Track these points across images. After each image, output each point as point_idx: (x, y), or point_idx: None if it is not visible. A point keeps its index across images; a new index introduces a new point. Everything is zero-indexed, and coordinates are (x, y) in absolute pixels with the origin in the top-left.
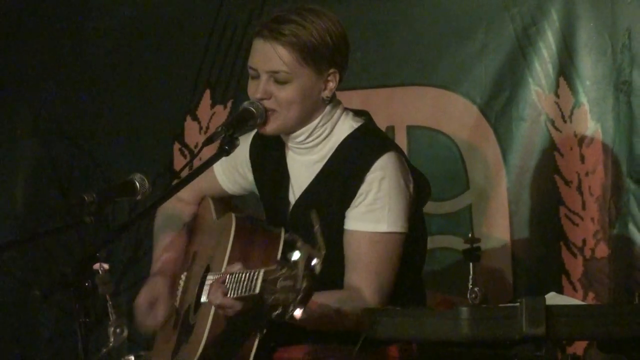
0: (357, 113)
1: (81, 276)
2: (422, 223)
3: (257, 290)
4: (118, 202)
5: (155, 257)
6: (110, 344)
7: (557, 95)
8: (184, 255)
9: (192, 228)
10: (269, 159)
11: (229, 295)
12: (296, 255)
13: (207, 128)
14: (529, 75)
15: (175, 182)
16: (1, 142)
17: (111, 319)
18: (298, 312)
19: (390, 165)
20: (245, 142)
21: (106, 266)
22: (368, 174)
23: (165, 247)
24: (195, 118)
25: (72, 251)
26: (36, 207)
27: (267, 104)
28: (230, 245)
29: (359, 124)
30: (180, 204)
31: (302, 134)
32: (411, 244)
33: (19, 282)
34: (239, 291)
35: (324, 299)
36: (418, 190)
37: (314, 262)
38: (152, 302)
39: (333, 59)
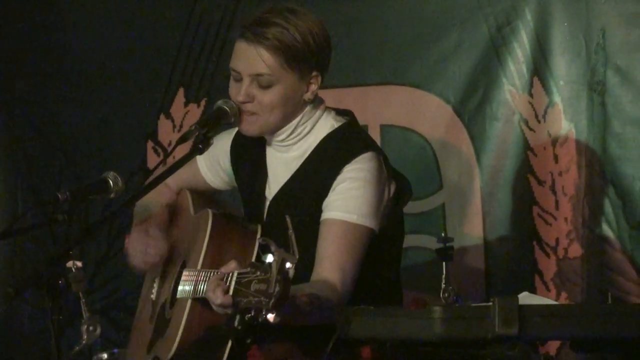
0: (340, 112)
1: (54, 274)
2: (401, 223)
3: (231, 292)
4: (91, 200)
5: (135, 222)
6: (84, 342)
7: (531, 95)
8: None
9: (170, 217)
10: (249, 154)
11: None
12: (269, 259)
13: (181, 126)
14: (503, 75)
15: (148, 180)
16: None
17: (84, 316)
18: (271, 316)
19: (367, 163)
20: (227, 137)
21: (79, 264)
22: (346, 166)
23: (147, 216)
24: (168, 116)
25: (45, 249)
26: (9, 205)
27: (249, 107)
28: (206, 242)
29: (340, 123)
30: (162, 187)
31: (282, 132)
32: (389, 243)
33: None
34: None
35: (297, 292)
36: (398, 191)
37: (288, 266)
38: (145, 245)
39: (316, 62)
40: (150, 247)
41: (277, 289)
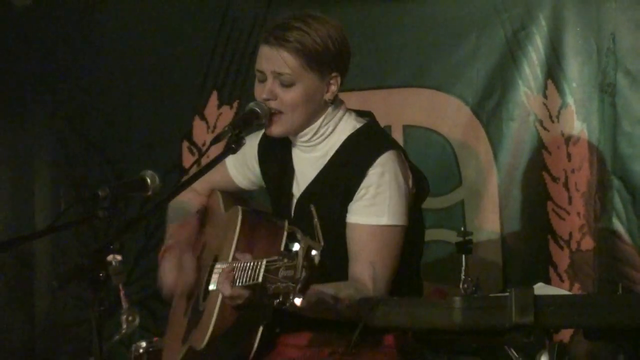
0: (361, 113)
1: (95, 267)
2: (421, 218)
3: (260, 279)
4: (130, 197)
5: (168, 235)
6: (123, 331)
7: (545, 97)
8: (195, 241)
9: (202, 219)
10: (276, 155)
11: (236, 284)
12: (296, 247)
13: (215, 127)
14: (519, 77)
15: (184, 178)
16: (20, 141)
17: (124, 307)
18: (298, 301)
19: (390, 162)
20: (255, 139)
21: (119, 257)
22: (370, 169)
23: (177, 227)
24: (203, 118)
25: (86, 244)
26: (52, 202)
27: (273, 104)
28: (236, 236)
29: (362, 123)
30: (191, 194)
31: (306, 134)
32: (410, 237)
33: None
34: (244, 280)
35: (324, 288)
36: (417, 187)
37: (313, 253)
38: (178, 267)
39: (335, 64)
40: (180, 278)
41: (303, 274)
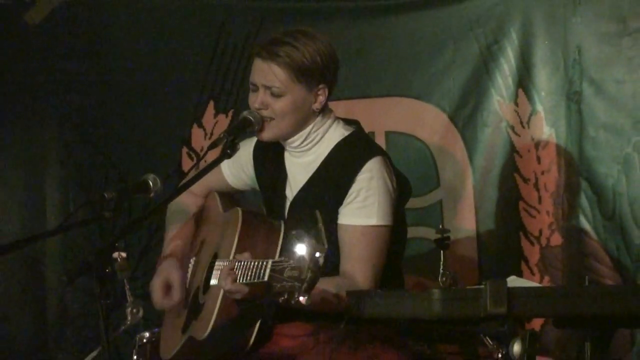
0: (348, 122)
1: (102, 263)
2: (403, 219)
3: (266, 278)
4: (134, 199)
5: (166, 242)
6: (128, 323)
7: (517, 104)
8: (192, 241)
9: (199, 218)
10: (270, 160)
11: (238, 281)
12: (301, 249)
13: (211, 134)
14: (492, 86)
15: (182, 181)
16: (32, 148)
17: (128, 300)
18: (303, 299)
19: (378, 167)
20: (250, 144)
21: (124, 254)
22: (359, 174)
23: (174, 235)
24: (200, 125)
25: (94, 242)
26: (62, 204)
27: (265, 113)
28: (237, 235)
29: (349, 131)
30: (189, 196)
31: (297, 139)
32: (394, 235)
33: (48, 270)
34: (248, 277)
35: (324, 285)
36: (400, 189)
37: (318, 255)
38: (167, 285)
39: (322, 77)
40: (170, 296)
41: (308, 275)
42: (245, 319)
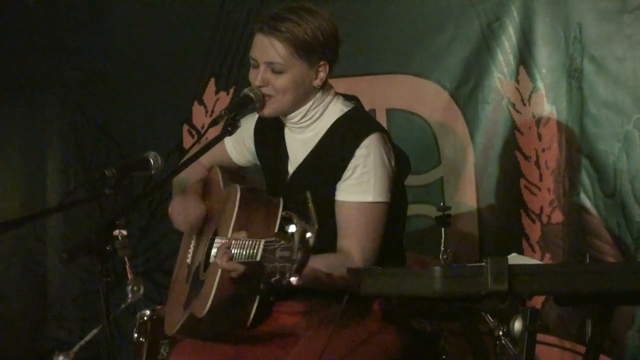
0: (348, 98)
1: (103, 241)
2: (404, 195)
3: (258, 257)
4: (134, 176)
5: (175, 192)
6: (129, 300)
7: (517, 82)
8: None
9: (203, 191)
10: (271, 136)
11: (234, 259)
12: (292, 229)
13: (212, 112)
14: (493, 64)
15: (184, 158)
16: (33, 126)
17: (129, 278)
18: (293, 279)
19: (375, 143)
20: (251, 121)
21: (124, 232)
22: (356, 151)
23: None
24: (201, 103)
25: (94, 219)
26: (63, 182)
27: (265, 90)
28: (235, 213)
29: (349, 107)
30: (196, 165)
31: (296, 115)
32: (394, 212)
33: (49, 249)
34: (242, 257)
35: (317, 263)
36: (400, 166)
37: (308, 235)
38: (185, 209)
39: (323, 53)
40: (189, 209)
41: (299, 255)
42: (244, 296)
